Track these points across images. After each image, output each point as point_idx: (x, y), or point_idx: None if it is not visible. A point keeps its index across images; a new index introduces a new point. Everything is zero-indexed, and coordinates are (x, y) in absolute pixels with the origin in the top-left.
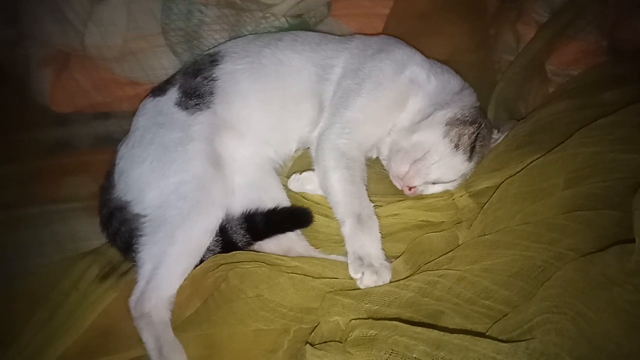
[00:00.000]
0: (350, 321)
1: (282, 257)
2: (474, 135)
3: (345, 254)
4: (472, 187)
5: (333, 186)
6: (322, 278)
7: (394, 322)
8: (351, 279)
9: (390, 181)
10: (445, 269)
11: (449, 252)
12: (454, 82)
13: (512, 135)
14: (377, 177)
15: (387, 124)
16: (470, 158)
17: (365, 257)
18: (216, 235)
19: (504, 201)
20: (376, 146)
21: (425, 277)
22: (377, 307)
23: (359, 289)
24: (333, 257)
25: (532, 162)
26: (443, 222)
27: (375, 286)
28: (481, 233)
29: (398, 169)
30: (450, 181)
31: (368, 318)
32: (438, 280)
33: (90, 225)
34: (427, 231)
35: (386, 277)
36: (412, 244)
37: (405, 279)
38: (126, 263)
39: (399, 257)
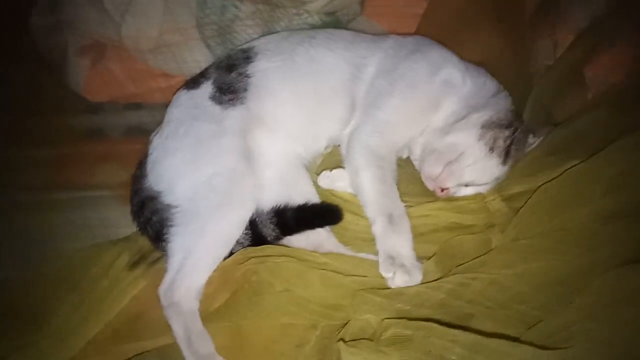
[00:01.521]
0: (383, 320)
1: (312, 253)
2: (509, 139)
3: (375, 253)
4: (505, 190)
5: (364, 185)
6: (352, 276)
7: (431, 323)
8: (381, 278)
9: (422, 182)
10: (478, 272)
11: (482, 255)
12: (489, 84)
13: (548, 141)
14: (408, 177)
15: (420, 125)
16: (504, 162)
17: (397, 256)
18: (246, 229)
19: (539, 206)
20: (408, 146)
21: (457, 279)
22: (408, 307)
23: (390, 288)
24: (363, 255)
25: (569, 168)
26: (474, 225)
27: (407, 286)
28: (515, 238)
29: (431, 170)
30: (483, 184)
31: (400, 318)
32: (470, 283)
33: (121, 213)
34: (458, 233)
35: (417, 277)
36: (444, 246)
37: (437, 280)
38: (156, 252)
39: (429, 258)
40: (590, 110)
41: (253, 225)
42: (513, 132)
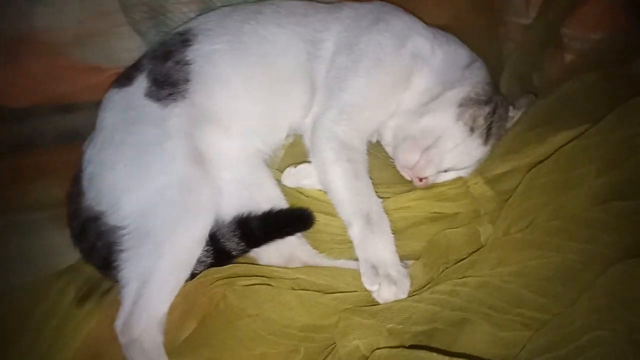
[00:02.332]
0: (375, 350)
1: (285, 270)
2: (490, 116)
3: (354, 258)
4: (487, 172)
5: (335, 182)
6: (333, 293)
7: (428, 354)
8: (364, 290)
9: (395, 168)
10: (467, 276)
11: (472, 253)
12: (461, 53)
13: (530, 113)
14: (379, 164)
15: (390, 106)
16: (486, 142)
17: (381, 265)
18: (206, 245)
19: (530, 192)
20: (377, 131)
21: (447, 287)
22: (400, 326)
23: (375, 302)
24: (341, 262)
25: (560, 147)
26: (458, 213)
27: (395, 299)
28: (506, 230)
29: (407, 159)
30: (465, 168)
31: (394, 347)
32: (460, 290)
33: (62, 237)
34: (442, 225)
35: (406, 287)
36: (429, 244)
37: (426, 290)
38: (107, 280)
39: (416, 260)
40: (572, 75)
41: (214, 239)
42: (494, 108)
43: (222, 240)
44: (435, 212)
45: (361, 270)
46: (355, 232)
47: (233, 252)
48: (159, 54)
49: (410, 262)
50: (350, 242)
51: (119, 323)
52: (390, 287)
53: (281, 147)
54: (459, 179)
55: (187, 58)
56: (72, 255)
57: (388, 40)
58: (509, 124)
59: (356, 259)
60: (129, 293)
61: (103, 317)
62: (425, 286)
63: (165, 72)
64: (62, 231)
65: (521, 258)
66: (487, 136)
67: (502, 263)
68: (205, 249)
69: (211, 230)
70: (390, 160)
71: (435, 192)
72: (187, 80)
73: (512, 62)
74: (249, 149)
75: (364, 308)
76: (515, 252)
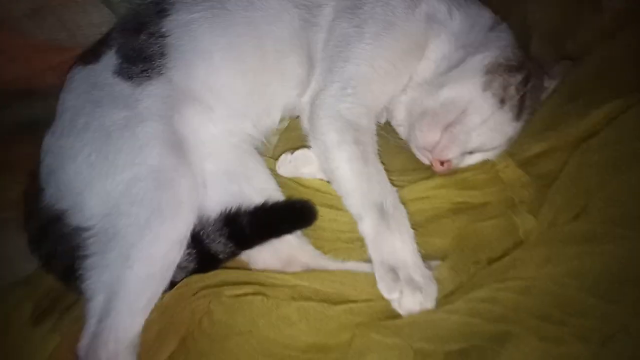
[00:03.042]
0: None
1: (283, 276)
2: (523, 84)
3: (365, 259)
4: (519, 153)
5: (341, 169)
6: (343, 303)
7: None
8: (382, 298)
9: (408, 153)
10: (508, 278)
11: (510, 250)
12: (483, 15)
13: (568, 82)
14: (390, 148)
15: (402, 77)
16: (518, 116)
17: (401, 267)
18: (188, 247)
19: (580, 174)
20: (387, 109)
21: (483, 293)
22: (431, 346)
23: (396, 314)
24: (351, 265)
25: (611, 119)
26: (487, 202)
27: (422, 310)
28: (553, 222)
29: (426, 138)
30: (493, 148)
31: None
32: (499, 296)
33: (17, 243)
34: (468, 217)
35: (433, 294)
36: (456, 240)
37: (454, 297)
38: (70, 294)
39: (439, 259)
40: (612, 37)
41: (197, 240)
42: (527, 76)
43: (207, 241)
44: (459, 202)
45: (377, 275)
46: (367, 227)
47: (220, 256)
48: (131, 27)
49: (434, 263)
50: (361, 239)
51: (82, 345)
52: (414, 294)
53: (275, 131)
54: (486, 162)
55: (163, 29)
56: (29, 264)
57: (398, 1)
58: (543, 96)
59: (369, 261)
60: (94, 308)
61: (64, 338)
62: (454, 292)
63: (138, 46)
64: (19, 236)
65: (575, 254)
66: (519, 109)
67: (552, 261)
68: (187, 252)
69: (194, 229)
70: (403, 143)
71: (458, 178)
72: (163, 55)
73: (540, 27)
74: (237, 134)
75: (383, 322)
76: (568, 247)
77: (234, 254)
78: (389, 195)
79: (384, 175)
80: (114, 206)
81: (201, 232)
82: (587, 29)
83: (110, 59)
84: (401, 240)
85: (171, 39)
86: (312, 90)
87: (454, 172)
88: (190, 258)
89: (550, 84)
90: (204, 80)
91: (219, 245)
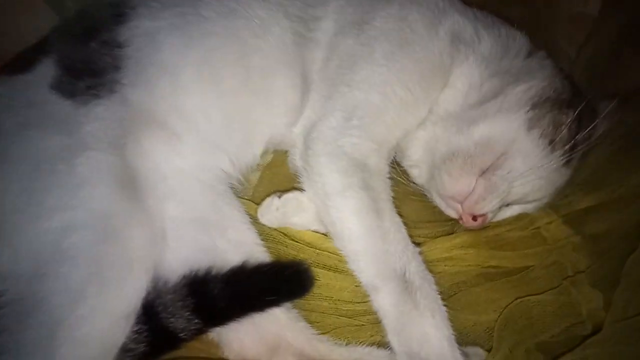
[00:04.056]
0: None
1: None
2: (576, 124)
3: (380, 339)
4: (564, 207)
5: (346, 222)
6: None
7: None
8: None
9: (422, 201)
10: None
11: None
12: (516, 38)
13: (619, 126)
14: (398, 193)
15: (421, 108)
16: (569, 162)
17: None
18: (138, 322)
19: None
20: (398, 146)
21: None
22: None
23: None
24: (360, 352)
25: None
26: (528, 267)
27: None
28: (626, 308)
29: (457, 186)
30: (537, 200)
31: None
32: None
33: None
34: (506, 285)
35: None
36: (501, 321)
37: None
38: None
39: (473, 343)
40: None
41: (151, 314)
42: (580, 113)
43: (164, 315)
44: (490, 266)
45: None
46: (385, 303)
47: (181, 334)
48: (78, 32)
49: (472, 351)
50: (372, 313)
51: None
52: None
53: (255, 167)
54: (523, 216)
55: (120, 38)
56: None
57: (417, 15)
58: (593, 139)
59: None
60: None
61: None
62: None
63: (85, 56)
64: None
65: None
66: (571, 154)
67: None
68: (136, 329)
69: (146, 298)
70: (418, 188)
71: (490, 235)
72: (117, 68)
73: (583, 58)
74: (210, 170)
75: None
76: None
77: (200, 332)
78: (413, 260)
79: (403, 231)
80: (37, 265)
81: (156, 302)
82: (635, 67)
83: (46, 70)
84: (434, 324)
85: (130, 50)
86: (306, 119)
87: (484, 227)
88: (140, 337)
89: (602, 125)
90: (169, 102)
91: (179, 320)
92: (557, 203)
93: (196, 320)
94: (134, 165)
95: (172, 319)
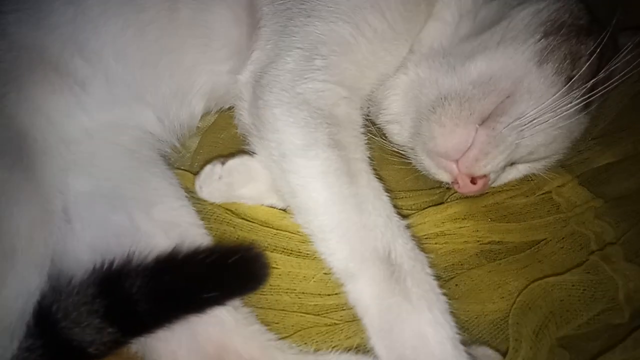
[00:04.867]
0: None
1: None
2: (598, 57)
3: (358, 344)
4: (579, 165)
5: (309, 190)
6: None
7: None
8: None
9: (404, 165)
10: None
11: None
12: None
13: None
14: (375, 156)
15: (400, 45)
16: (587, 106)
17: None
18: (30, 337)
19: None
20: (373, 96)
21: None
22: None
23: None
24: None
25: None
26: (539, 242)
27: None
28: None
29: (451, 139)
30: (548, 156)
31: None
32: None
33: None
34: (515, 266)
35: None
36: (515, 312)
37: None
38: None
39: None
40: None
41: (48, 322)
42: (600, 43)
43: (65, 323)
44: (492, 242)
45: None
46: (365, 296)
47: (90, 349)
48: None
49: (482, 352)
50: (347, 307)
51: None
52: None
53: (194, 131)
54: (528, 179)
55: None
56: None
57: None
58: (614, 79)
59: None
60: None
61: None
62: None
63: None
64: None
65: None
66: (590, 96)
67: None
68: (26, 345)
69: (40, 303)
70: (400, 149)
71: (489, 204)
72: None
73: None
74: (129, 131)
75: None
76: None
77: (116, 344)
78: (399, 236)
79: (385, 199)
80: None
81: (54, 308)
82: None
83: None
84: (432, 321)
85: None
86: (255, 63)
87: (483, 194)
88: (32, 357)
89: (623, 62)
90: (69, 35)
91: (87, 330)
92: (570, 161)
93: (110, 330)
94: (18, 123)
95: (76, 329)
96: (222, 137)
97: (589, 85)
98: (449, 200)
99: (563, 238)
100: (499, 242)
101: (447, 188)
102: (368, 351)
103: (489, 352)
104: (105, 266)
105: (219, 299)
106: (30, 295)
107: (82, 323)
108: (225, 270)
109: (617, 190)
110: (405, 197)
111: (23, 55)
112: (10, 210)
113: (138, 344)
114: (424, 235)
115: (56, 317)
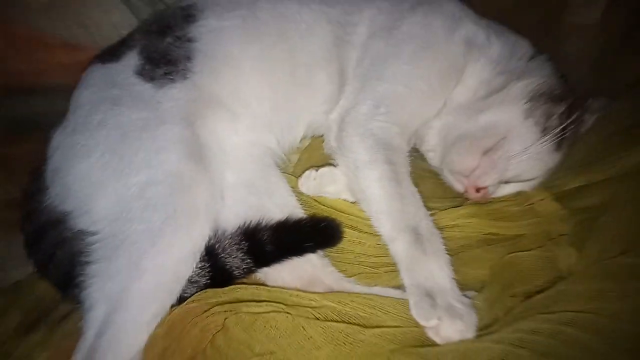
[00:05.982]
0: None
1: (308, 295)
2: (566, 115)
3: (394, 285)
4: (556, 187)
5: (372, 188)
6: (374, 327)
7: None
8: (415, 325)
9: (436, 179)
10: (556, 311)
11: (553, 284)
12: (522, 45)
13: (610, 117)
14: (417, 173)
15: (438, 100)
16: (559, 147)
17: (438, 293)
18: (202, 261)
19: (627, 210)
20: (417, 133)
21: (526, 325)
22: None
23: (430, 341)
24: (377, 290)
25: None
26: (519, 235)
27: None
28: (600, 257)
29: (464, 162)
30: (530, 179)
31: None
32: (540, 329)
33: (8, 247)
34: (501, 249)
35: (473, 323)
36: (492, 272)
37: (496, 329)
38: (63, 304)
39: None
40: None
41: (212, 254)
42: (570, 107)
43: (223, 255)
44: (490, 233)
45: (411, 300)
46: (400, 249)
47: (235, 272)
48: (155, 29)
49: (470, 294)
50: (387, 265)
51: (78, 359)
52: (454, 322)
53: (296, 149)
54: (520, 194)
55: (190, 35)
56: (20, 270)
57: (438, 22)
58: (583, 129)
59: (395, 287)
60: (93, 320)
61: (55, 352)
62: (492, 324)
63: (162, 48)
64: (10, 239)
65: (630, 290)
66: (560, 140)
67: (602, 297)
68: (200, 265)
69: (208, 242)
70: (431, 169)
71: (490, 209)
72: (189, 59)
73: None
74: (260, 146)
75: (421, 349)
76: (620, 282)
77: (250, 271)
78: (424, 219)
79: (418, 197)
80: (125, 210)
81: (216, 246)
82: (627, 71)
83: (131, 59)
84: (438, 265)
85: (199, 44)
86: (341, 107)
87: (486, 202)
88: (203, 272)
89: (589, 118)
90: (231, 88)
91: (235, 260)
92: (550, 184)
93: (248, 261)
94: (201, 137)
95: (229, 259)
96: (314, 154)
97: (558, 133)
98: (463, 205)
99: (536, 233)
100: (494, 233)
101: (465, 198)
102: (400, 288)
103: (471, 292)
104: (246, 225)
105: (312, 248)
106: (205, 237)
107: (232, 255)
108: (316, 231)
109: (581, 205)
110: (435, 202)
111: (205, 98)
112: (197, 188)
113: (260, 273)
114: (444, 225)
115: (217, 251)
